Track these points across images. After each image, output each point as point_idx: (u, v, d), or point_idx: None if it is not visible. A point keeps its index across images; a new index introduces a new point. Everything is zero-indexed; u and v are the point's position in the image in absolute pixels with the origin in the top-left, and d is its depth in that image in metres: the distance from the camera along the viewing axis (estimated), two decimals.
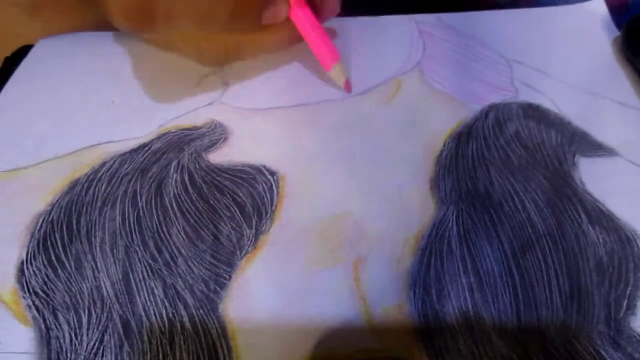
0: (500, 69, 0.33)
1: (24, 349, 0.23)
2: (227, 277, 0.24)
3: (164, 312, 0.23)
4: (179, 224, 0.26)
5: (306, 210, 0.26)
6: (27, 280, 0.24)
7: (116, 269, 0.25)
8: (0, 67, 0.35)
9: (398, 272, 0.24)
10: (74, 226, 0.26)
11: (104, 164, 0.29)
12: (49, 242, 0.26)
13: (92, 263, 0.25)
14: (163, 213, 0.26)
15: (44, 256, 0.25)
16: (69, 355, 0.22)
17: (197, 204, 0.27)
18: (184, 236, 0.26)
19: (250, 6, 0.27)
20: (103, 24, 0.30)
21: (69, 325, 0.23)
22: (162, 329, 0.23)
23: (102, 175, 0.28)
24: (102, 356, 0.22)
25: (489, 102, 0.31)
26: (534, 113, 0.30)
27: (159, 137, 0.30)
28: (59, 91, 0.33)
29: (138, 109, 0.32)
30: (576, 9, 0.36)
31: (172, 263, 0.25)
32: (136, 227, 0.26)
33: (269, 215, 0.26)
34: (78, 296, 0.24)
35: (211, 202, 0.27)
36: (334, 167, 0.28)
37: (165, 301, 0.24)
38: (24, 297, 0.24)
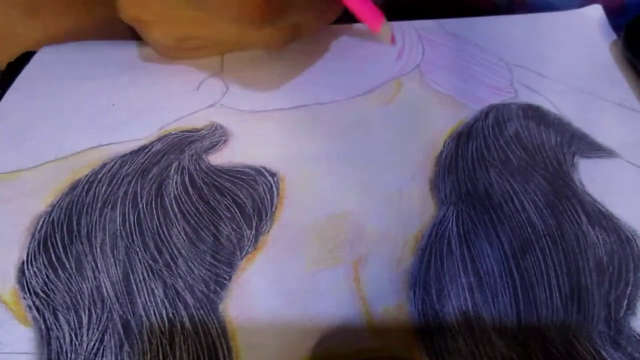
0: (500, 72, 0.33)
1: (24, 349, 0.23)
2: (227, 277, 0.24)
3: (164, 312, 0.23)
4: (179, 224, 0.26)
5: (306, 210, 0.27)
6: (28, 281, 0.25)
7: (116, 269, 0.25)
8: (3, 72, 0.36)
9: (398, 272, 0.24)
10: (75, 227, 0.26)
11: (104, 166, 0.29)
12: (49, 243, 0.26)
13: (93, 264, 0.25)
14: (163, 214, 0.27)
15: (44, 257, 0.25)
16: (69, 355, 0.22)
17: (198, 205, 0.27)
18: (184, 237, 0.26)
19: None
20: (101, 25, 0.30)
21: (69, 325, 0.23)
22: (162, 329, 0.23)
23: (102, 177, 0.28)
24: (102, 356, 0.22)
25: (488, 103, 0.31)
26: (533, 114, 0.30)
27: (159, 139, 0.30)
28: (60, 95, 0.33)
29: (139, 112, 0.32)
30: (574, 15, 0.37)
31: (172, 264, 0.25)
32: (136, 228, 0.26)
33: (269, 216, 0.26)
34: (78, 296, 0.24)
35: (211, 203, 0.27)
36: (334, 167, 0.28)
37: (166, 301, 0.24)
38: (24, 298, 0.24)
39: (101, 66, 0.35)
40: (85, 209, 0.27)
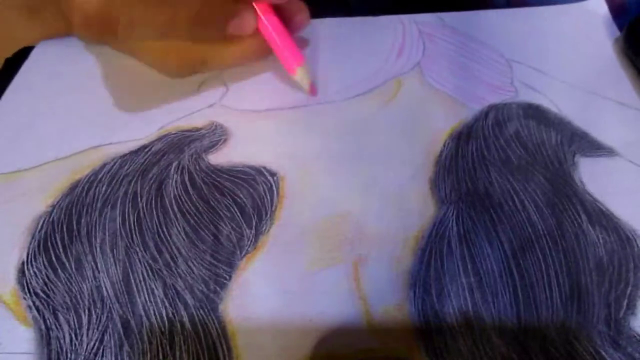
0: (501, 69, 0.33)
1: (24, 350, 0.23)
2: (227, 277, 0.24)
3: (164, 312, 0.23)
4: (179, 224, 0.26)
5: (306, 210, 0.27)
6: (28, 281, 0.25)
7: (116, 269, 0.25)
8: (0, 68, 0.35)
9: (398, 272, 0.24)
10: (75, 227, 0.26)
11: (104, 166, 0.29)
12: (49, 243, 0.26)
13: (93, 263, 0.25)
14: (163, 214, 0.27)
15: (44, 257, 0.25)
16: (69, 355, 0.22)
17: (197, 205, 0.27)
18: (184, 236, 0.26)
19: (215, 16, 0.27)
20: None
21: (69, 325, 0.23)
22: (162, 329, 0.23)
23: (102, 177, 0.28)
24: (102, 356, 0.22)
25: (489, 102, 0.31)
26: (534, 113, 0.30)
27: (159, 139, 0.30)
28: (59, 94, 0.33)
29: (138, 111, 0.32)
30: (576, 8, 0.36)
31: (172, 263, 0.25)
32: (136, 228, 0.26)
33: (269, 215, 0.26)
34: (78, 296, 0.24)
35: (211, 202, 0.27)
36: (334, 167, 0.28)
37: (165, 301, 0.24)
38: (24, 298, 0.24)
39: (101, 62, 0.35)
40: (85, 209, 0.27)
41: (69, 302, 0.24)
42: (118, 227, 0.26)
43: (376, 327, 0.23)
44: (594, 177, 0.27)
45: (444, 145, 0.29)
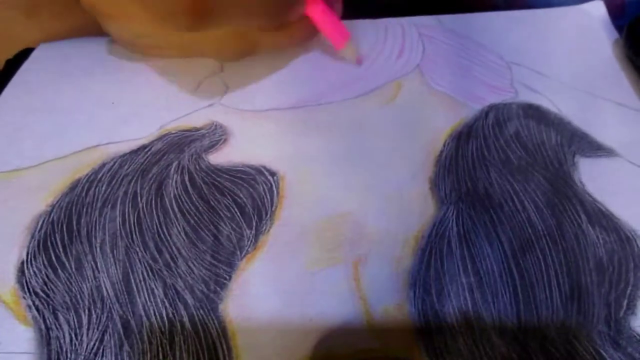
0: (500, 71, 0.33)
1: (24, 349, 0.23)
2: (227, 277, 0.24)
3: (164, 312, 0.23)
4: (179, 224, 0.26)
5: (306, 210, 0.27)
6: (28, 281, 0.25)
7: (116, 269, 0.25)
8: (1, 70, 0.35)
9: (398, 272, 0.24)
10: (74, 227, 0.26)
11: (104, 165, 0.29)
12: (49, 243, 0.26)
13: (92, 263, 0.25)
14: (163, 214, 0.27)
15: (44, 256, 0.25)
16: (69, 355, 0.22)
17: (197, 205, 0.27)
18: (184, 237, 0.26)
19: (283, 4, 0.29)
20: (99, 26, 0.30)
21: (69, 325, 0.23)
22: (162, 329, 0.23)
23: (102, 176, 0.28)
24: (102, 356, 0.22)
25: (489, 102, 0.31)
26: (534, 113, 0.30)
27: (159, 139, 0.30)
28: (59, 93, 0.33)
29: (138, 111, 0.32)
30: (575, 10, 0.36)
31: (172, 263, 0.25)
32: (136, 228, 0.26)
33: (269, 215, 0.26)
34: (78, 296, 0.24)
35: (211, 202, 0.27)
36: (334, 167, 0.28)
37: (166, 301, 0.24)
38: (24, 298, 0.24)
39: (100, 64, 0.35)
40: (85, 209, 0.27)
41: (69, 302, 0.24)
42: (118, 227, 0.26)
43: (376, 327, 0.23)
44: (594, 178, 0.27)
45: (444, 145, 0.29)
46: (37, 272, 0.25)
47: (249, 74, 0.34)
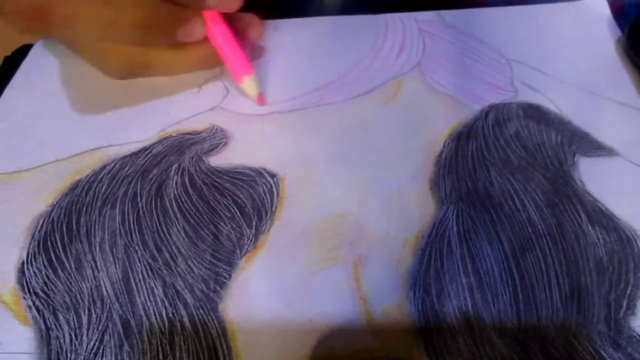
0: (501, 69, 0.33)
1: (24, 349, 0.23)
2: (227, 276, 0.24)
3: (164, 311, 0.23)
4: (178, 223, 0.26)
5: (306, 210, 0.27)
6: (28, 281, 0.25)
7: (116, 268, 0.25)
8: (0, 67, 0.35)
9: (398, 272, 0.24)
10: (74, 226, 0.26)
11: (104, 167, 0.29)
12: (49, 243, 0.26)
13: (92, 263, 0.25)
14: (163, 213, 0.27)
15: (44, 257, 0.25)
16: (69, 355, 0.22)
17: (197, 205, 0.27)
18: (183, 236, 0.26)
19: (162, 22, 0.26)
20: None
21: (69, 325, 0.23)
22: (162, 329, 0.23)
23: (102, 177, 0.28)
24: (102, 356, 0.22)
25: (489, 102, 0.31)
26: (534, 113, 0.30)
27: (159, 141, 0.30)
28: (60, 92, 0.33)
29: (139, 113, 0.32)
30: (577, 7, 0.36)
31: (171, 262, 0.25)
32: (136, 227, 0.26)
33: (269, 215, 0.26)
34: (78, 296, 0.24)
35: (211, 203, 0.27)
36: (334, 167, 0.28)
37: (165, 301, 0.24)
38: (24, 298, 0.24)
39: None
40: (84, 208, 0.27)
41: (69, 302, 0.24)
42: (118, 226, 0.26)
43: (376, 327, 0.23)
44: (594, 177, 0.27)
45: (444, 145, 0.29)
46: (37, 272, 0.25)
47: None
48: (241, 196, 0.27)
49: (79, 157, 0.30)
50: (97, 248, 0.25)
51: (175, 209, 0.27)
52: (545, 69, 0.32)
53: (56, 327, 0.23)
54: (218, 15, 0.28)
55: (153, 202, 0.27)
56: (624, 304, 0.23)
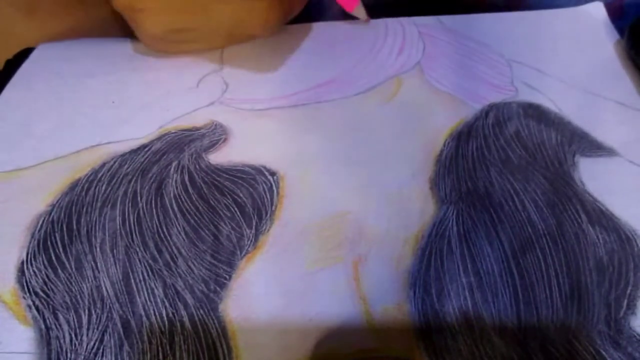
0: (501, 69, 0.33)
1: (24, 349, 0.23)
2: (227, 277, 0.24)
3: (164, 312, 0.23)
4: (179, 224, 0.26)
5: (306, 210, 0.26)
6: (28, 281, 0.25)
7: (116, 269, 0.25)
8: (1, 70, 0.35)
9: (398, 272, 0.24)
10: (74, 226, 0.26)
11: (104, 165, 0.29)
12: (49, 243, 0.26)
13: (92, 263, 0.25)
14: (163, 213, 0.27)
15: (44, 256, 0.25)
16: (69, 355, 0.22)
17: (197, 204, 0.27)
18: (184, 236, 0.26)
19: None
20: (98, 25, 0.30)
21: (69, 325, 0.23)
22: (162, 329, 0.23)
23: (102, 176, 0.28)
24: (102, 356, 0.22)
25: (489, 101, 0.31)
26: (534, 112, 0.30)
27: (159, 138, 0.30)
28: (59, 93, 0.33)
29: (138, 110, 0.32)
30: (576, 12, 0.36)
31: (172, 263, 0.25)
32: (136, 228, 0.26)
33: (269, 215, 0.26)
34: (78, 296, 0.24)
35: (211, 202, 0.27)
36: (334, 166, 0.28)
37: (166, 301, 0.24)
38: (24, 297, 0.24)
39: (100, 63, 0.35)
40: (85, 209, 0.27)
41: (69, 302, 0.24)
42: (118, 226, 0.26)
43: (376, 327, 0.23)
44: (594, 177, 0.27)
45: (444, 145, 0.29)
46: (37, 272, 0.25)
47: (248, 73, 0.34)
48: (241, 195, 0.27)
49: (78, 154, 0.30)
50: (98, 249, 0.25)
51: (175, 208, 0.27)
52: (546, 69, 0.32)
53: (56, 327, 0.23)
54: None
55: (153, 201, 0.27)
56: (624, 304, 0.23)
